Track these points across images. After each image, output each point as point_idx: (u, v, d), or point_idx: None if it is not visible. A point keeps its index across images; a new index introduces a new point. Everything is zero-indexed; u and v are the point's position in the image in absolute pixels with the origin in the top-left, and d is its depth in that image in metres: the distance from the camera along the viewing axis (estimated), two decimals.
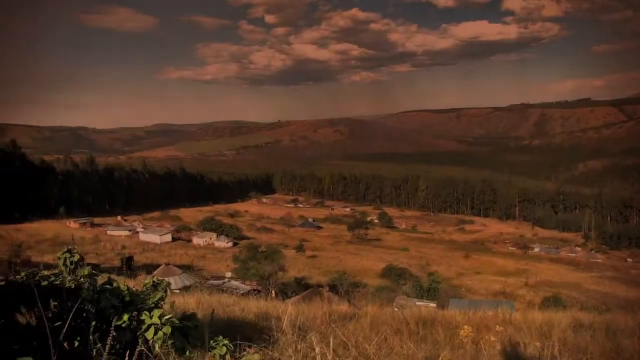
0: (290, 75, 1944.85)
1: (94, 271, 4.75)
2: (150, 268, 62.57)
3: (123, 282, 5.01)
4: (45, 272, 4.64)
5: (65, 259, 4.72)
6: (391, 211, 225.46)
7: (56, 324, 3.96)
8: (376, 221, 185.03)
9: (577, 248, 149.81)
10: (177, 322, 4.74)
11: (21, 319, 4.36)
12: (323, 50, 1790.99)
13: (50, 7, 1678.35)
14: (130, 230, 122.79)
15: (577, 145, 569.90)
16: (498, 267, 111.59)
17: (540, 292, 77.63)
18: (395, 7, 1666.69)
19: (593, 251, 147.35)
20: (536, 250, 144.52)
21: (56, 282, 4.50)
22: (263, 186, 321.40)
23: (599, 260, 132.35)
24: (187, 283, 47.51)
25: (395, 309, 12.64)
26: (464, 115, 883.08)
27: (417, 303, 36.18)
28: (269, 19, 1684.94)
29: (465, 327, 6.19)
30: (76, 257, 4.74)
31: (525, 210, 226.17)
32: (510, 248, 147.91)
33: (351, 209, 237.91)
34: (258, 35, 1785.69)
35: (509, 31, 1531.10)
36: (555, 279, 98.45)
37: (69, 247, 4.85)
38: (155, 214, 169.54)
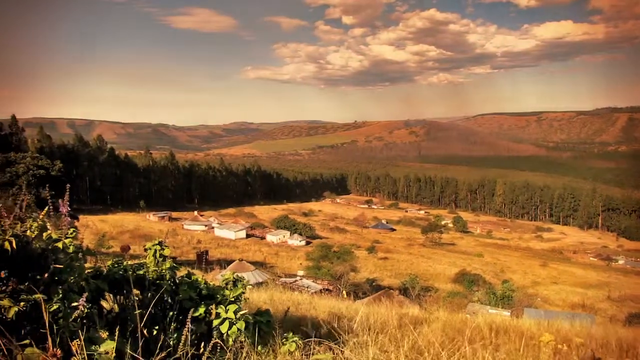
0: (367, 76, 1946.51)
1: (175, 264, 4.93)
2: (224, 263, 63.82)
3: (201, 276, 5.17)
4: (130, 262, 4.84)
5: (155, 250, 4.92)
6: (466, 215, 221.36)
7: (136, 312, 4.13)
8: (450, 225, 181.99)
9: None
10: (250, 317, 4.86)
11: (105, 305, 4.59)
12: (400, 51, 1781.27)
13: (137, 9, 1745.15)
14: (206, 226, 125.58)
15: None
16: (577, 278, 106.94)
17: (624, 308, 73.71)
18: (474, 8, 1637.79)
19: None
20: (621, 262, 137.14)
21: (139, 272, 4.69)
22: (337, 186, 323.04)
23: None
24: (260, 279, 48.19)
25: (468, 315, 12.42)
26: (544, 119, 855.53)
27: (490, 311, 35.36)
28: (346, 19, 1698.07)
29: (546, 334, 5.99)
30: (167, 252, 4.93)
31: (609, 220, 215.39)
32: (591, 259, 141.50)
33: (425, 212, 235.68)
34: (335, 35, 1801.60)
35: (596, 31, 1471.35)
36: None
37: (161, 240, 5.05)
38: (231, 210, 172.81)
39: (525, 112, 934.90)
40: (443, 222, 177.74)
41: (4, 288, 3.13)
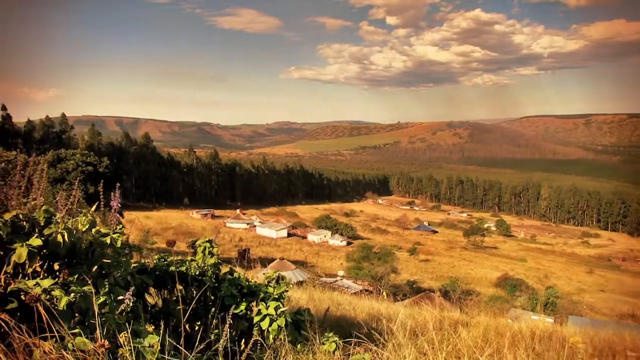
0: (411, 77, 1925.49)
1: (219, 261, 5.03)
2: (265, 261, 64.36)
3: (243, 274, 5.25)
4: (174, 258, 4.95)
5: (205, 247, 5.03)
6: (509, 219, 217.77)
7: (179, 307, 4.23)
8: (493, 229, 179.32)
9: None
10: (290, 315, 4.91)
11: (150, 300, 4.70)
12: (444, 51, 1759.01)
13: (187, 9, 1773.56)
14: (248, 224, 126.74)
15: None
16: (626, 287, 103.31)
17: None
18: (521, 8, 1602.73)
19: None
20: None
21: (182, 269, 4.80)
22: (380, 187, 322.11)
23: None
24: (300, 278, 48.32)
25: (509, 320, 12.23)
26: (593, 122, 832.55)
27: (533, 317, 34.67)
28: (390, 20, 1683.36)
29: (576, 337, 5.86)
30: (216, 250, 5.04)
31: None
32: None
33: (468, 215, 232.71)
34: (379, 36, 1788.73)
35: None
36: None
37: (211, 238, 5.17)
38: (273, 209, 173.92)
39: (573, 115, 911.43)
40: (486, 226, 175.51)
41: (56, 280, 3.26)
